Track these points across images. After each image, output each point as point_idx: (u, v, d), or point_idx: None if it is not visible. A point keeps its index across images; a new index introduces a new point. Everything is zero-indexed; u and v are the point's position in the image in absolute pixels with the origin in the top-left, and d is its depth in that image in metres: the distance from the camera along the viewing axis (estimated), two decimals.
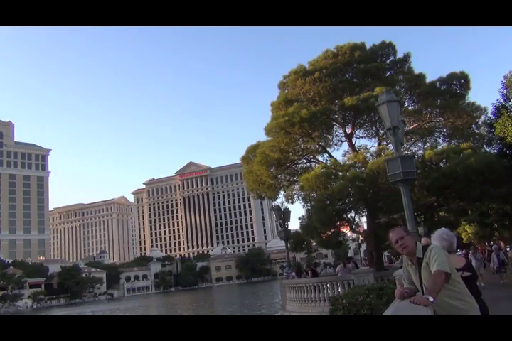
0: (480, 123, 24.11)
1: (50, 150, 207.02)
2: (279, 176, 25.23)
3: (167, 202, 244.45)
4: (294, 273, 22.97)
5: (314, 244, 27.16)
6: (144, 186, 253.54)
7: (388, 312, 3.60)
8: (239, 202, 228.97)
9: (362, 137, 25.30)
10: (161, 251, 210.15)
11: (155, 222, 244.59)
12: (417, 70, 25.43)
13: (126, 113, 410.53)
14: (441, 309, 3.68)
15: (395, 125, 10.35)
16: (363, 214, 21.95)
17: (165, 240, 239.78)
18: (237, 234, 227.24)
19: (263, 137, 24.81)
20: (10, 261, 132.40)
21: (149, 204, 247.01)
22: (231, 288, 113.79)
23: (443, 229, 5.03)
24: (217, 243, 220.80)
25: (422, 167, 19.79)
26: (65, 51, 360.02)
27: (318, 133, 23.26)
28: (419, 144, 25.33)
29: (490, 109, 23.10)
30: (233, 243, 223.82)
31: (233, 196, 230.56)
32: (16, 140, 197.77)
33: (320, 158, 25.23)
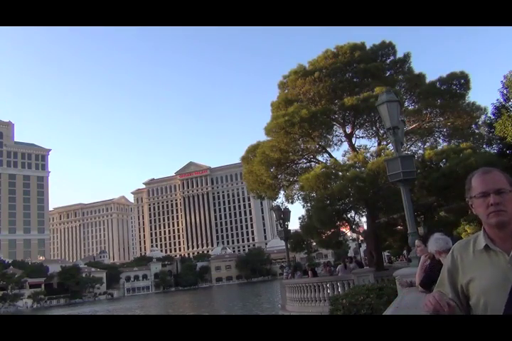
0: (480, 123, 24.12)
1: (50, 150, 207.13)
2: (279, 176, 25.24)
3: (167, 202, 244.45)
4: (290, 273, 23.21)
5: (314, 244, 27.21)
6: (144, 186, 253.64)
7: (388, 311, 3.58)
8: (239, 202, 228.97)
9: (362, 137, 25.37)
10: (161, 251, 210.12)
11: (155, 222, 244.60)
12: (417, 70, 25.50)
13: (126, 113, 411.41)
14: None
15: (395, 125, 10.37)
16: (363, 214, 21.97)
17: (165, 240, 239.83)
18: (237, 234, 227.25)
19: (263, 137, 24.86)
20: (10, 261, 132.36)
21: (149, 204, 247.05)
22: (231, 288, 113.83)
23: (435, 233, 5.20)
24: (217, 243, 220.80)
25: (422, 167, 19.79)
26: (65, 51, 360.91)
27: (318, 133, 23.28)
28: (419, 144, 25.37)
29: (490, 109, 23.12)
30: (233, 243, 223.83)
31: (233, 196, 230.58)
32: (15, 140, 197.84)
33: (320, 158, 25.28)
